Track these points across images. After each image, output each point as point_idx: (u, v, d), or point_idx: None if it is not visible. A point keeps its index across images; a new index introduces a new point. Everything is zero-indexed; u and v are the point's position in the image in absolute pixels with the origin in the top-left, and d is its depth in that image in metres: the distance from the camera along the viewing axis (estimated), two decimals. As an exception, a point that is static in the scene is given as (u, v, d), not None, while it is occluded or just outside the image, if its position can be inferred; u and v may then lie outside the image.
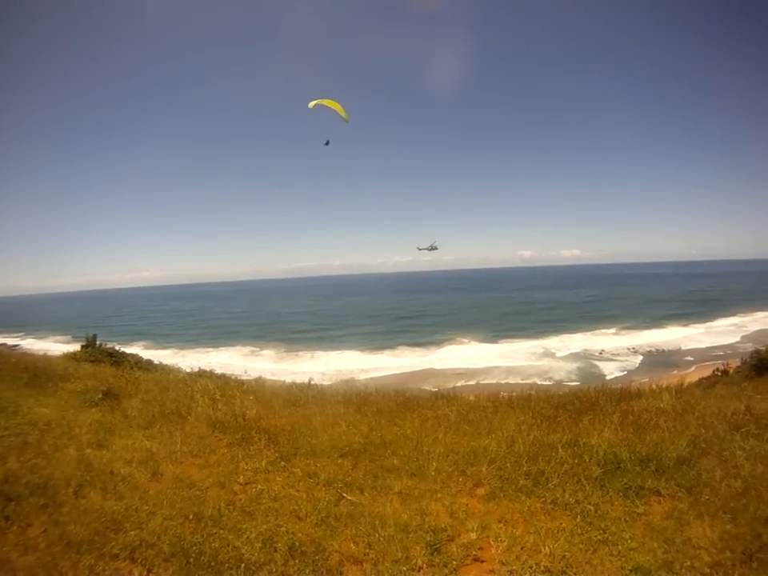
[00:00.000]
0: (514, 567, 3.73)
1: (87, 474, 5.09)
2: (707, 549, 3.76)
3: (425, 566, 3.83)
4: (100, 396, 8.02)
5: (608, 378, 33.48)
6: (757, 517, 4.00)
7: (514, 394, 8.84)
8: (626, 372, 36.44)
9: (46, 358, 12.92)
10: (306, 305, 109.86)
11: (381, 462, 5.81)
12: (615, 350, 45.36)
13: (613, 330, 55.31)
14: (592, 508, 4.49)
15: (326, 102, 12.10)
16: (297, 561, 3.86)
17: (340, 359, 44.27)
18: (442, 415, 7.46)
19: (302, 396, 9.11)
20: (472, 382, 33.45)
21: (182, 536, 4.08)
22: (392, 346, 51.08)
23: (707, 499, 4.43)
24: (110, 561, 3.76)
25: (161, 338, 63.58)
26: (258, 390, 9.74)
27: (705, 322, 57.28)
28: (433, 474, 5.40)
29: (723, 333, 50.70)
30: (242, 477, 5.39)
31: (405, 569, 3.76)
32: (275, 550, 3.97)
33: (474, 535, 4.19)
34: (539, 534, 4.15)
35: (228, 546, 3.99)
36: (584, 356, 43.53)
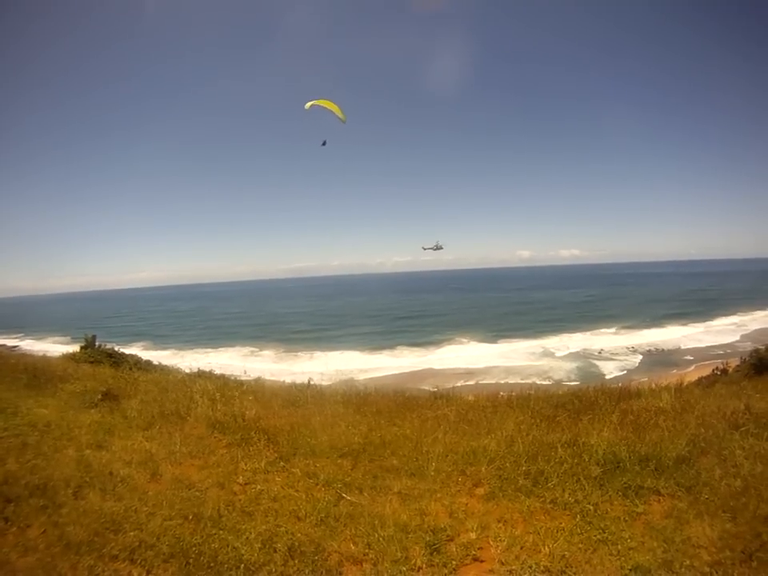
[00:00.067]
0: (513, 567, 3.73)
1: (86, 475, 5.08)
2: (707, 548, 3.76)
3: (424, 565, 3.82)
4: (99, 397, 8.01)
5: (607, 377, 33.47)
6: (756, 516, 4.00)
7: (513, 393, 8.85)
8: (625, 371, 36.46)
9: (45, 359, 12.89)
10: (305, 305, 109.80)
11: (380, 462, 5.81)
12: (614, 349, 45.40)
13: (612, 330, 55.34)
14: (591, 507, 4.48)
15: (322, 103, 12.09)
16: (296, 561, 3.86)
17: (339, 359, 44.22)
18: (441, 415, 7.46)
19: (301, 396, 9.11)
20: (471, 382, 33.45)
21: (182, 537, 4.07)
22: (391, 346, 51.09)
23: (707, 498, 4.44)
24: (110, 562, 3.75)
25: (160, 339, 63.50)
26: (257, 390, 9.74)
27: (704, 321, 57.34)
28: (432, 473, 5.40)
29: (723, 332, 50.75)
30: (241, 477, 5.39)
31: (404, 569, 3.76)
32: (275, 551, 3.96)
33: (473, 535, 4.18)
34: (539, 533, 4.15)
35: (227, 546, 3.98)
36: (583, 355, 43.56)
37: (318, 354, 48.58)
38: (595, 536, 4.06)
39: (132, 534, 4.08)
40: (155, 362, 16.42)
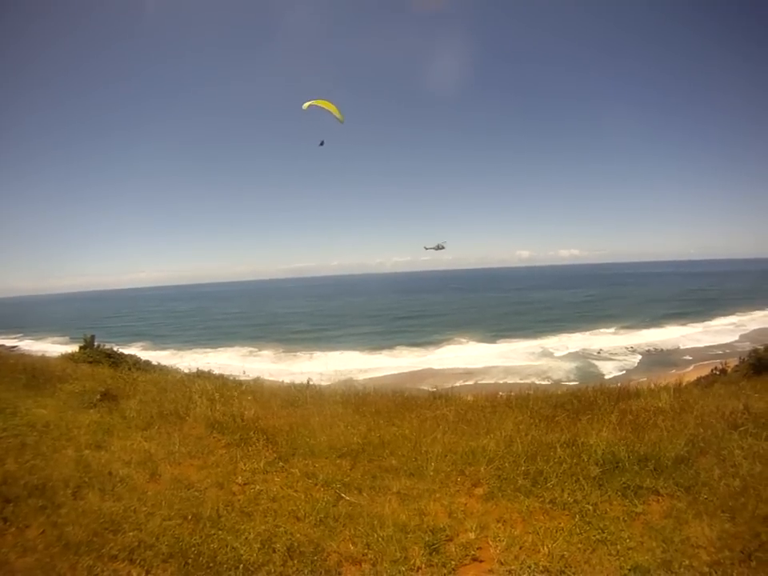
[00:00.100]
0: (512, 567, 3.73)
1: (86, 475, 5.08)
2: (706, 548, 3.77)
3: (423, 566, 3.82)
4: (98, 397, 8.00)
5: (606, 377, 33.50)
6: (755, 516, 4.00)
7: (512, 393, 8.86)
8: (624, 371, 36.48)
9: (44, 359, 12.87)
10: (304, 305, 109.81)
11: (379, 462, 5.81)
12: (614, 349, 45.44)
13: (611, 330, 55.37)
14: (590, 507, 4.49)
15: (319, 103, 12.09)
16: (295, 561, 3.86)
17: (338, 359, 44.15)
18: (440, 415, 7.46)
19: (300, 396, 9.11)
20: (470, 382, 33.48)
21: (181, 537, 4.07)
22: (390, 346, 51.10)
23: (706, 498, 4.44)
24: (109, 562, 3.75)
25: (159, 339, 63.44)
26: (256, 390, 9.73)
27: (703, 321, 57.39)
28: (431, 473, 5.40)
29: (722, 332, 50.79)
30: (240, 477, 5.38)
31: (403, 569, 3.76)
32: (274, 551, 3.96)
33: (472, 535, 4.19)
34: (538, 533, 4.15)
35: (226, 546, 3.98)
36: (582, 355, 43.59)
37: (317, 354, 48.55)
38: (594, 536, 4.06)
39: (131, 534, 4.08)
40: (154, 362, 16.39)
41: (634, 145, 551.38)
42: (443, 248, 23.23)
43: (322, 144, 13.40)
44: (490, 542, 4.08)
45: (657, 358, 40.76)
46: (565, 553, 3.85)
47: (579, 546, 3.95)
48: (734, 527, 3.95)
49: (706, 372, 17.28)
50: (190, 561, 3.79)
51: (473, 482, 5.22)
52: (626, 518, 4.32)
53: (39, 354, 16.95)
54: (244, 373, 13.81)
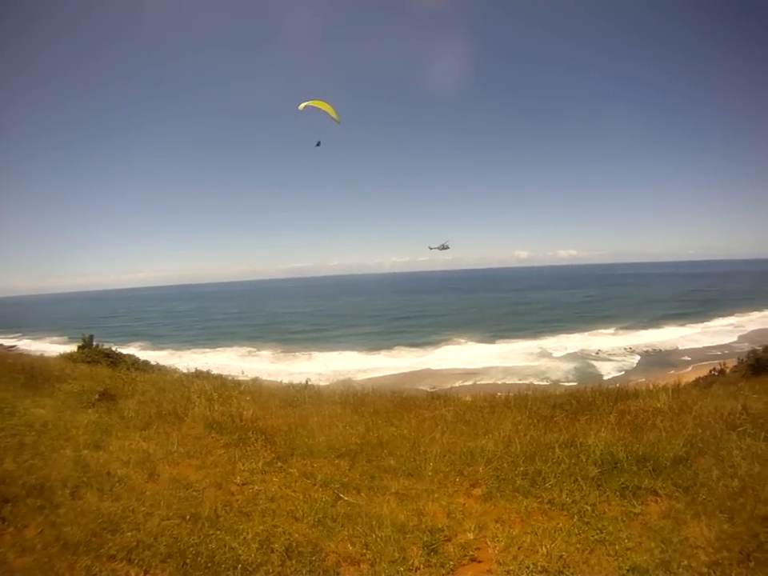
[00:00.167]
0: (511, 567, 3.74)
1: (84, 475, 5.07)
2: (704, 548, 3.77)
3: (422, 566, 3.82)
4: (97, 397, 7.99)
5: (605, 378, 33.58)
6: (754, 516, 4.01)
7: (510, 394, 8.85)
8: (623, 372, 36.54)
9: (42, 359, 12.84)
10: (303, 305, 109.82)
11: (378, 463, 5.80)
12: (612, 350, 45.50)
13: (610, 330, 55.44)
14: (589, 508, 4.49)
15: (316, 104, 12.08)
16: (294, 561, 3.86)
17: (337, 360, 44.12)
18: (438, 415, 7.46)
19: (298, 396, 9.10)
20: (469, 383, 33.53)
21: (179, 537, 4.07)
22: (389, 347, 51.13)
23: (704, 499, 4.44)
24: (107, 562, 3.75)
25: (158, 339, 63.39)
26: (254, 390, 9.71)
27: (702, 321, 57.50)
28: (430, 474, 5.40)
29: (720, 333, 50.90)
30: (238, 477, 5.38)
31: (402, 569, 3.76)
32: (272, 551, 3.96)
33: (471, 535, 4.19)
34: (536, 533, 4.15)
35: (225, 546, 3.98)
36: (581, 356, 43.64)
37: (316, 354, 48.51)
38: (593, 536, 4.06)
39: (129, 534, 4.08)
40: (153, 362, 16.38)
41: (633, 145, 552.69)
42: (448, 248, 23.43)
43: (318, 145, 13.41)
44: (489, 543, 4.07)
45: (655, 359, 40.82)
46: (563, 553, 3.85)
47: (578, 546, 3.95)
48: (732, 528, 3.95)
49: (704, 373, 17.29)
50: (188, 561, 3.79)
51: (471, 482, 5.22)
52: (624, 519, 4.32)
53: (38, 353, 16.93)
54: (242, 373, 13.78)
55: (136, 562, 3.76)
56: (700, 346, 44.75)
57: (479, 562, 3.89)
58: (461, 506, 4.73)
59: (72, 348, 15.12)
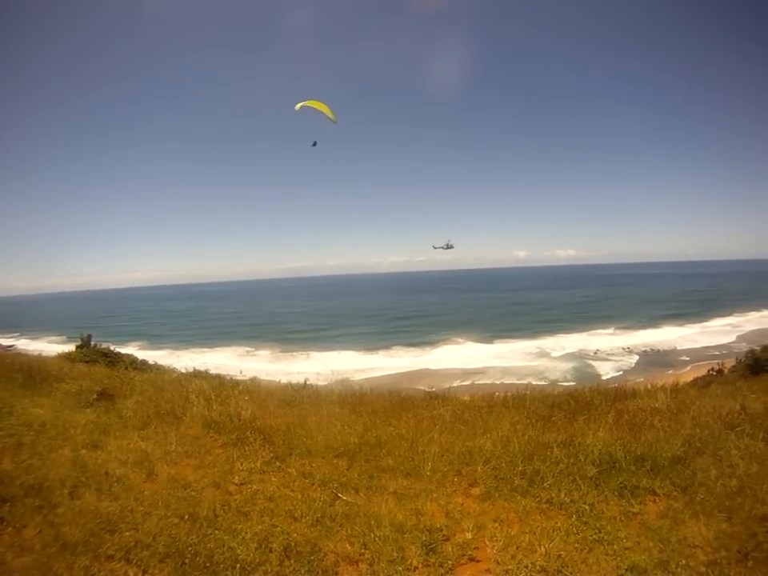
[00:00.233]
0: (509, 567, 3.74)
1: (82, 474, 5.06)
2: (703, 548, 3.78)
3: (420, 565, 3.82)
4: (95, 397, 7.97)
5: (603, 377, 33.67)
6: (752, 516, 4.01)
7: (509, 393, 8.83)
8: (621, 372, 36.65)
9: (40, 359, 12.83)
10: (302, 305, 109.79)
11: (376, 462, 5.80)
12: (611, 349, 45.63)
13: (609, 330, 55.56)
14: (587, 507, 4.49)
15: (312, 104, 12.06)
16: (292, 561, 3.85)
17: (336, 359, 44.06)
18: (437, 415, 7.46)
19: (297, 396, 9.09)
20: (467, 382, 33.54)
21: (178, 537, 4.06)
22: (387, 347, 51.19)
23: (702, 498, 4.44)
24: (106, 562, 3.74)
25: (156, 339, 63.34)
26: (253, 390, 9.69)
27: (700, 322, 57.65)
28: (428, 473, 5.40)
29: (718, 333, 51.05)
30: (237, 477, 5.37)
31: (400, 569, 3.76)
32: (270, 551, 3.96)
33: (469, 535, 4.18)
34: (535, 533, 4.16)
35: (223, 546, 3.97)
36: (579, 356, 43.74)
37: (314, 353, 48.56)
38: (591, 536, 4.07)
39: (128, 533, 4.07)
40: (151, 362, 16.39)
41: (633, 145, 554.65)
42: (452, 247, 23.49)
43: (314, 145, 13.40)
44: (487, 542, 4.07)
45: (654, 359, 40.94)
46: (562, 553, 3.85)
47: (576, 545, 3.96)
48: (730, 527, 3.96)
49: (702, 372, 17.37)
50: (186, 561, 3.78)
51: (470, 481, 5.22)
52: (622, 518, 4.33)
53: (36, 353, 16.95)
54: (241, 372, 13.72)
55: (134, 561, 3.76)
56: (698, 346, 44.90)
57: (478, 561, 3.89)
58: (459, 505, 4.73)
59: (70, 347, 15.15)
